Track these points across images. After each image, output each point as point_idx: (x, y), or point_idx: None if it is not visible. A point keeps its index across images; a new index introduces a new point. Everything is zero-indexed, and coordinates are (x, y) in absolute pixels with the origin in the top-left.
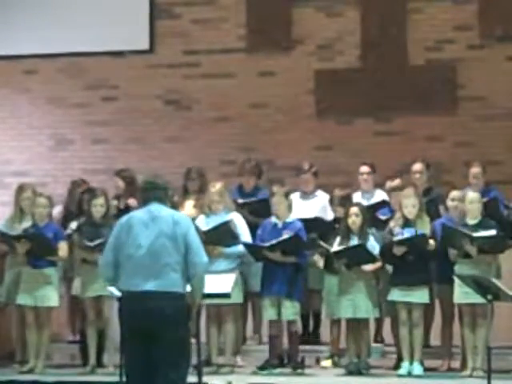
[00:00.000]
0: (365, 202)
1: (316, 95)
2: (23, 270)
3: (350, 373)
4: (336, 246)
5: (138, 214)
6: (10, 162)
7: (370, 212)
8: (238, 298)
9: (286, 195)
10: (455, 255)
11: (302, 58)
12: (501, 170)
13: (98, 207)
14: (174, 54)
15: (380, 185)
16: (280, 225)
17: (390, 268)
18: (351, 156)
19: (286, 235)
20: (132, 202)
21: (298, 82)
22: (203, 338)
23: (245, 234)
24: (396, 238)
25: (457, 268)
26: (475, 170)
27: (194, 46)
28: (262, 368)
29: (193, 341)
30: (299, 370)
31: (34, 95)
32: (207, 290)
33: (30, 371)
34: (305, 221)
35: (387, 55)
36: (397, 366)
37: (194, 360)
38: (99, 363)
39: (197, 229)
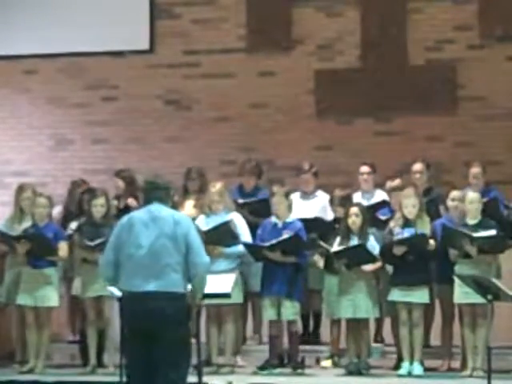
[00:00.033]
0: (365, 202)
1: (316, 95)
2: (23, 270)
3: (350, 373)
4: (336, 246)
5: (139, 214)
6: (10, 162)
7: (370, 212)
8: (238, 298)
9: (286, 195)
10: (455, 255)
11: (302, 58)
12: (501, 170)
13: (98, 207)
14: (174, 54)
15: (380, 185)
16: (280, 225)
17: (390, 268)
18: (351, 156)
19: (285, 235)
20: (131, 201)
21: (298, 82)
22: (203, 338)
23: (245, 234)
24: (396, 238)
25: (457, 268)
26: (475, 170)
27: (194, 45)
28: (262, 368)
29: (193, 341)
30: (299, 370)
31: (33, 95)
32: (207, 290)
33: (30, 371)
34: (305, 221)
35: (387, 55)
36: (397, 366)
37: (194, 360)
38: (99, 363)
39: (197, 229)
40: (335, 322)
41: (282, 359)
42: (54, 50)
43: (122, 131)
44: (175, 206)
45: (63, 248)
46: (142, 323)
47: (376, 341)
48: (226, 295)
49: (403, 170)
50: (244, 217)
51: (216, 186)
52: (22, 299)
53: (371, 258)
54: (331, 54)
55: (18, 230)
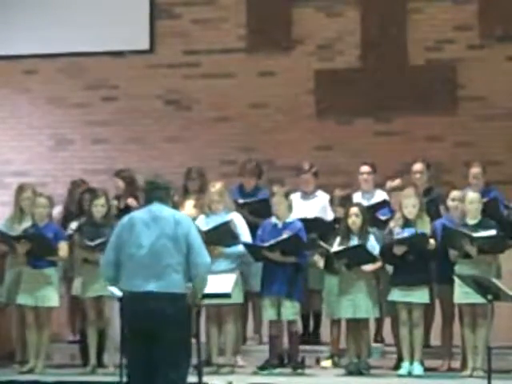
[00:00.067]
0: (365, 202)
1: (316, 95)
2: (23, 270)
3: (350, 373)
4: (336, 246)
5: (140, 214)
6: (10, 162)
7: (370, 212)
8: (238, 298)
9: (286, 195)
10: (455, 255)
11: (302, 58)
12: (501, 170)
13: (98, 207)
14: (173, 54)
15: (380, 185)
16: (280, 225)
17: (390, 268)
18: (351, 156)
19: (285, 235)
20: (131, 201)
21: (298, 82)
22: (203, 338)
23: (245, 234)
24: (396, 238)
25: (457, 268)
26: (475, 170)
27: (194, 45)
28: (262, 368)
29: (193, 341)
30: (299, 370)
31: (33, 95)
32: (207, 289)
33: (30, 371)
34: (305, 221)
35: (387, 55)
36: (397, 366)
37: (194, 360)
38: (99, 363)
39: (197, 229)
40: (335, 322)
41: (282, 359)
42: (54, 50)
43: (122, 131)
44: (176, 206)
45: (63, 248)
46: (142, 323)
47: (376, 341)
48: (227, 295)
49: (403, 170)
50: (244, 217)
51: (216, 186)
52: (22, 299)
53: (371, 258)
54: (331, 54)
55: (18, 230)
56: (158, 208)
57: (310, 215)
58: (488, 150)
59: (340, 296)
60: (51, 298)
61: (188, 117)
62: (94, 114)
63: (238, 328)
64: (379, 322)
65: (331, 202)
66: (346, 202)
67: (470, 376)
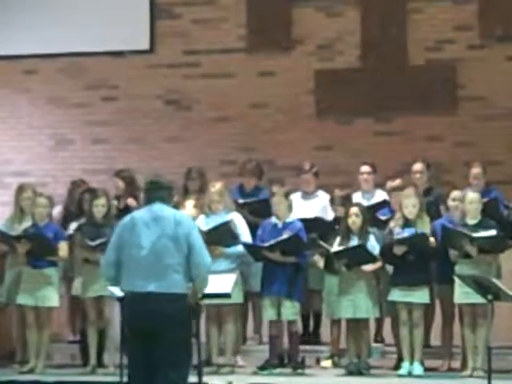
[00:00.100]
0: (365, 202)
1: (316, 95)
2: (24, 270)
3: (350, 373)
4: (336, 246)
5: (140, 214)
6: (10, 161)
7: (370, 212)
8: (238, 298)
9: (286, 195)
10: (456, 256)
11: (302, 58)
12: (501, 170)
13: (99, 207)
14: (173, 53)
15: (380, 185)
16: (280, 225)
17: (390, 268)
18: (351, 156)
19: (285, 235)
20: (131, 201)
21: (298, 82)
22: (203, 338)
23: (245, 234)
24: (396, 237)
25: (457, 268)
26: (475, 170)
27: (194, 45)
28: (262, 368)
29: (193, 341)
30: (299, 370)
31: (33, 95)
32: (207, 289)
33: (31, 371)
34: (305, 221)
35: (387, 55)
36: (397, 366)
37: (194, 360)
38: (99, 363)
39: (198, 229)
40: (335, 322)
41: (282, 359)
42: (54, 50)
43: (122, 131)
44: (176, 206)
45: (63, 248)
46: (142, 323)
47: (376, 341)
48: (227, 295)
49: (403, 170)
50: (244, 217)
51: (216, 186)
52: (23, 299)
53: (371, 258)
54: (331, 54)
55: (19, 229)
56: (159, 208)
57: (311, 215)
58: (488, 150)
59: (340, 296)
60: (51, 297)
61: (188, 117)
62: (94, 114)
63: (238, 328)
64: (379, 322)
65: (331, 201)
66: (346, 201)
67: (470, 376)
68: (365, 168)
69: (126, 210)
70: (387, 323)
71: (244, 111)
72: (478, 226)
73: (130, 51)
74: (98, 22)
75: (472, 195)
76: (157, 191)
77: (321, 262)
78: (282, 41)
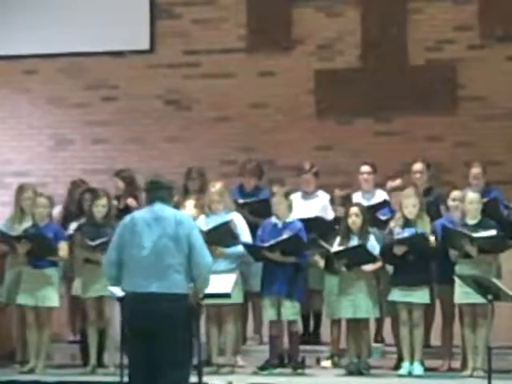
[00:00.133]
0: (365, 202)
1: (316, 95)
2: (24, 270)
3: (350, 373)
4: (336, 246)
5: (141, 214)
6: (10, 162)
7: (370, 212)
8: (238, 298)
9: (286, 195)
10: (456, 256)
11: (302, 58)
12: (501, 170)
13: (99, 207)
14: (173, 53)
15: (380, 185)
16: (280, 225)
17: (390, 268)
18: (351, 156)
19: (285, 235)
20: (131, 202)
21: (298, 82)
22: (203, 338)
23: (245, 234)
24: (396, 237)
25: (457, 268)
26: (475, 170)
27: (194, 45)
28: (262, 368)
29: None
30: (299, 370)
31: (33, 95)
32: (207, 290)
33: (31, 371)
34: (305, 221)
35: (387, 55)
36: (397, 366)
37: (194, 360)
38: (100, 363)
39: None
40: (335, 322)
41: (282, 359)
42: (54, 50)
43: (122, 131)
44: (176, 206)
45: (63, 248)
46: (143, 323)
47: (376, 341)
48: (227, 295)
49: (403, 170)
50: (244, 217)
51: (216, 186)
52: (23, 299)
53: (371, 258)
54: (331, 54)
55: (19, 230)
56: (159, 208)
57: (311, 215)
58: (488, 150)
59: (340, 296)
60: (51, 297)
61: (188, 117)
62: (94, 113)
63: (237, 328)
64: (379, 322)
65: (332, 201)
66: (347, 201)
67: (470, 376)
68: (365, 168)
69: (126, 210)
70: (387, 323)
71: (244, 111)
72: (478, 226)
73: (130, 51)
74: (98, 22)
75: (472, 195)
76: (157, 191)
77: (321, 262)
78: (282, 41)
